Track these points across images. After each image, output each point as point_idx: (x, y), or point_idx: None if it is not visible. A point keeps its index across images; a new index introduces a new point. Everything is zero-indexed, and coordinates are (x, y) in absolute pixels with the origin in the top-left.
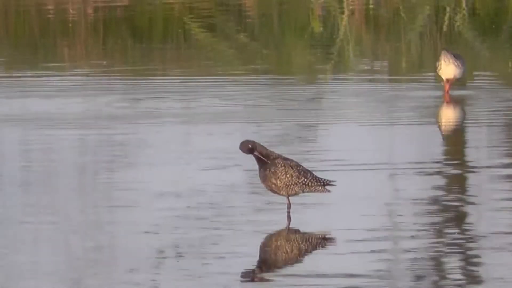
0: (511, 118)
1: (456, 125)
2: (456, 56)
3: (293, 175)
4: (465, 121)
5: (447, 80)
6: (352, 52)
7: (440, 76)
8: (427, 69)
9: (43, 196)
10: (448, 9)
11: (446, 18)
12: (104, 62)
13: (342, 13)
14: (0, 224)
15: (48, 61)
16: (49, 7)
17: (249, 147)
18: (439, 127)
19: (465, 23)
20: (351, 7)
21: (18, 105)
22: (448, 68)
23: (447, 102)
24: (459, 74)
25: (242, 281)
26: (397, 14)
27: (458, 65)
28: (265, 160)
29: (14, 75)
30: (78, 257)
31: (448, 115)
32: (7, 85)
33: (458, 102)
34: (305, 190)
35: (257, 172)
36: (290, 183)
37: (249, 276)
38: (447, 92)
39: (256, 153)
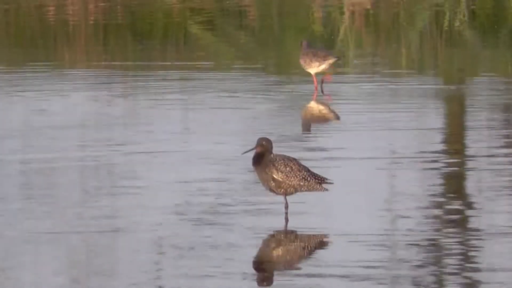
0: (509, 115)
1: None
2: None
3: (293, 167)
4: (464, 118)
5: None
6: (352, 51)
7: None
8: (426, 68)
9: (44, 201)
10: (447, 9)
11: (446, 18)
12: (103, 62)
13: (342, 14)
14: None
15: (49, 61)
16: (50, 7)
17: (262, 143)
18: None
19: (465, 24)
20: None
21: (19, 108)
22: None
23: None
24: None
25: (241, 282)
26: (397, 15)
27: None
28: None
29: (14, 76)
30: (79, 262)
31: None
32: (7, 86)
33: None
34: (303, 187)
35: (255, 171)
36: (290, 176)
37: (248, 276)
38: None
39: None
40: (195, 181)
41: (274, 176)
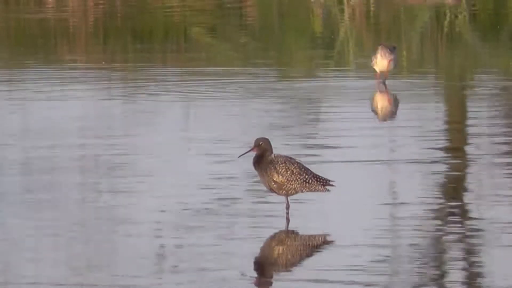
0: (510, 114)
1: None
2: (391, 51)
3: (294, 171)
4: (467, 117)
5: (380, 72)
6: (352, 51)
7: (373, 68)
8: (427, 68)
9: (44, 195)
10: (448, 10)
11: (447, 18)
12: (103, 62)
13: (342, 13)
14: (2, 228)
15: (48, 61)
16: (49, 11)
17: (260, 144)
18: (375, 113)
19: (465, 24)
20: (351, 3)
21: (18, 107)
22: (382, 62)
23: (380, 91)
24: (391, 67)
25: (241, 282)
26: (397, 15)
27: (391, 60)
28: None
29: (13, 75)
30: (79, 259)
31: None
32: (6, 85)
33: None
34: (304, 189)
35: (256, 173)
36: (291, 179)
37: (248, 277)
38: (379, 81)
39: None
40: (195, 181)
41: (275, 179)
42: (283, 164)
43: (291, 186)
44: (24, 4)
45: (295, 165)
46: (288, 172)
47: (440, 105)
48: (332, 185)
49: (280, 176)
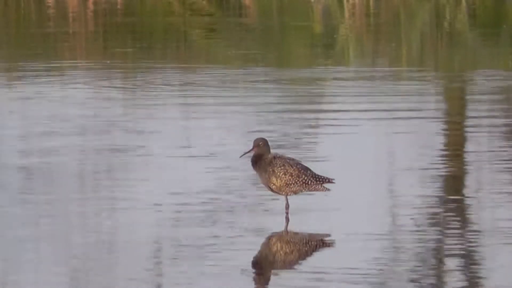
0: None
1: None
2: None
3: (293, 174)
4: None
5: None
6: (351, 50)
7: None
8: (426, 67)
9: (43, 192)
10: (448, 8)
11: (446, 17)
12: (108, 61)
13: (342, 12)
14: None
15: (48, 60)
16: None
17: (259, 144)
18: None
19: (465, 23)
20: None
21: (17, 107)
22: None
23: None
24: None
25: (241, 282)
26: (397, 14)
27: None
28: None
29: (13, 75)
30: (78, 258)
31: None
32: (5, 85)
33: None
34: (304, 189)
35: (256, 172)
36: (290, 182)
37: (248, 276)
38: None
39: (257, 149)
40: (195, 181)
41: (273, 182)
42: (282, 167)
43: (290, 189)
44: (24, 5)
45: (294, 168)
46: (287, 176)
47: (440, 104)
48: (332, 182)
49: (279, 180)
